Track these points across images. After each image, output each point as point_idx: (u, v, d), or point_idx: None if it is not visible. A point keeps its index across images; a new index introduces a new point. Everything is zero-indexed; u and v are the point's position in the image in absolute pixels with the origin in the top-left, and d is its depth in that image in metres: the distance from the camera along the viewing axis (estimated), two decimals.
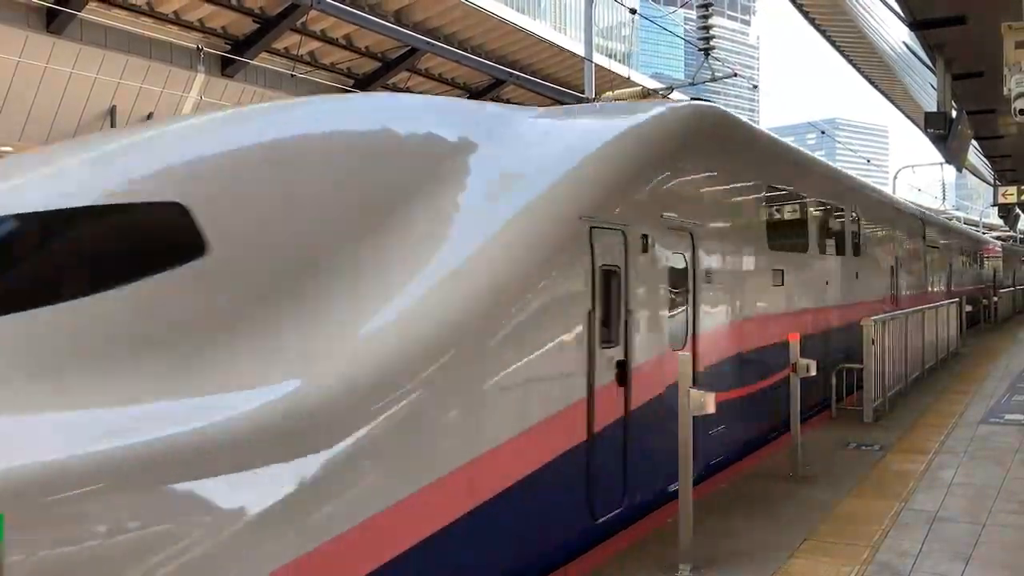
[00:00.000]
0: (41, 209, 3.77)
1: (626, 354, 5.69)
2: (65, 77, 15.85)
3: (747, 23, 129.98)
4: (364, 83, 21.10)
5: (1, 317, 3.38)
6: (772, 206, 9.03)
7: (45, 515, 2.85)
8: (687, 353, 5.79)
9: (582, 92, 18.30)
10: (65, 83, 15.97)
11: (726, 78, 20.45)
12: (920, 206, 21.15)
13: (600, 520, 5.42)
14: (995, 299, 28.08)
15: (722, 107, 8.42)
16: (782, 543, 5.58)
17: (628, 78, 22.53)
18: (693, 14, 20.24)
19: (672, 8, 23.61)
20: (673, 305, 6.44)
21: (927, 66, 15.12)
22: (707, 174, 7.37)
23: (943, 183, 52.20)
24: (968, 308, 19.70)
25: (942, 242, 21.40)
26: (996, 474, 7.37)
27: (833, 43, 22.95)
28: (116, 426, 3.21)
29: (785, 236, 9.37)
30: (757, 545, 5.56)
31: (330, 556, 3.54)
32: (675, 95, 20.05)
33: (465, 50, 20.75)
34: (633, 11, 17.21)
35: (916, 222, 17.85)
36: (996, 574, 5.08)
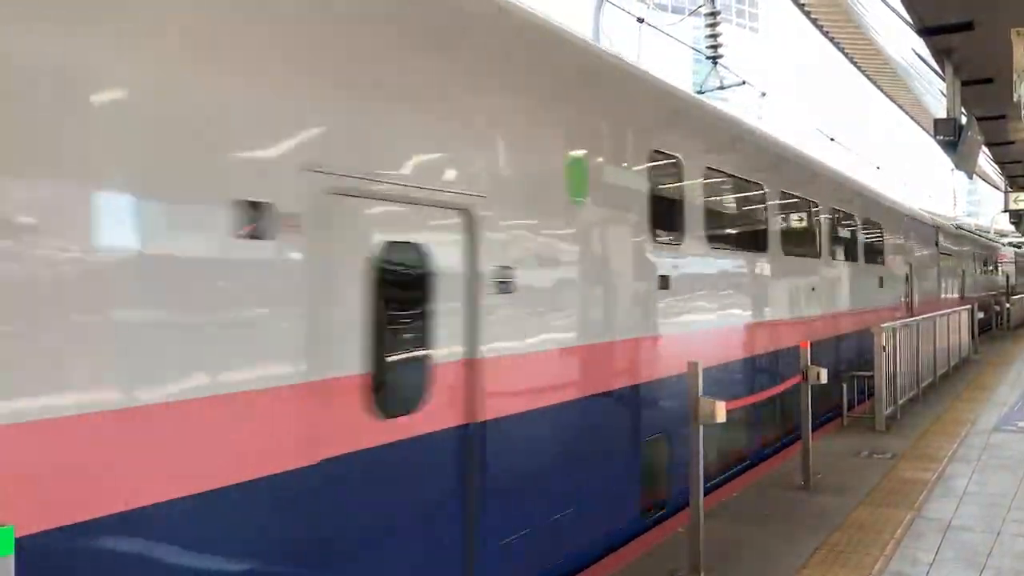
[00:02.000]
0: None
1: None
2: None
3: (755, 30, 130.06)
4: None
5: None
6: None
7: None
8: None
9: None
10: None
11: (734, 86, 20.42)
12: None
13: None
14: (1008, 305, 27.92)
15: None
16: (793, 552, 5.55)
17: None
18: (701, 22, 20.26)
19: (680, 16, 23.60)
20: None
21: (936, 72, 15.07)
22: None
23: (954, 190, 52.02)
24: (980, 315, 19.39)
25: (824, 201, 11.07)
26: (1010, 482, 7.31)
27: (842, 50, 22.95)
28: None
29: None
30: (768, 555, 5.53)
31: None
32: None
33: None
34: (640, 20, 17.22)
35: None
36: None
